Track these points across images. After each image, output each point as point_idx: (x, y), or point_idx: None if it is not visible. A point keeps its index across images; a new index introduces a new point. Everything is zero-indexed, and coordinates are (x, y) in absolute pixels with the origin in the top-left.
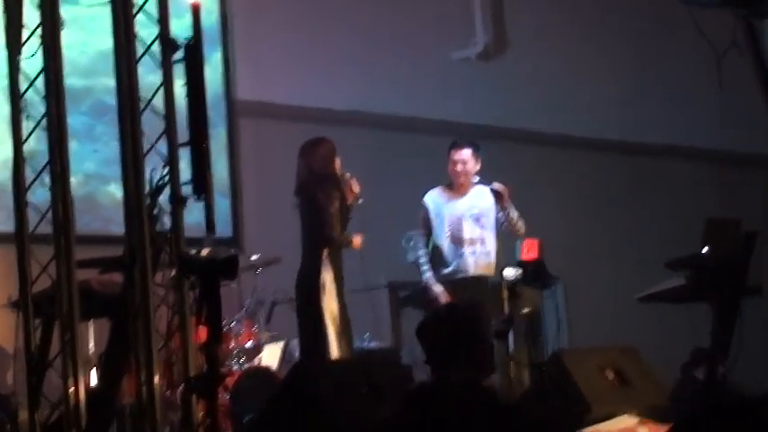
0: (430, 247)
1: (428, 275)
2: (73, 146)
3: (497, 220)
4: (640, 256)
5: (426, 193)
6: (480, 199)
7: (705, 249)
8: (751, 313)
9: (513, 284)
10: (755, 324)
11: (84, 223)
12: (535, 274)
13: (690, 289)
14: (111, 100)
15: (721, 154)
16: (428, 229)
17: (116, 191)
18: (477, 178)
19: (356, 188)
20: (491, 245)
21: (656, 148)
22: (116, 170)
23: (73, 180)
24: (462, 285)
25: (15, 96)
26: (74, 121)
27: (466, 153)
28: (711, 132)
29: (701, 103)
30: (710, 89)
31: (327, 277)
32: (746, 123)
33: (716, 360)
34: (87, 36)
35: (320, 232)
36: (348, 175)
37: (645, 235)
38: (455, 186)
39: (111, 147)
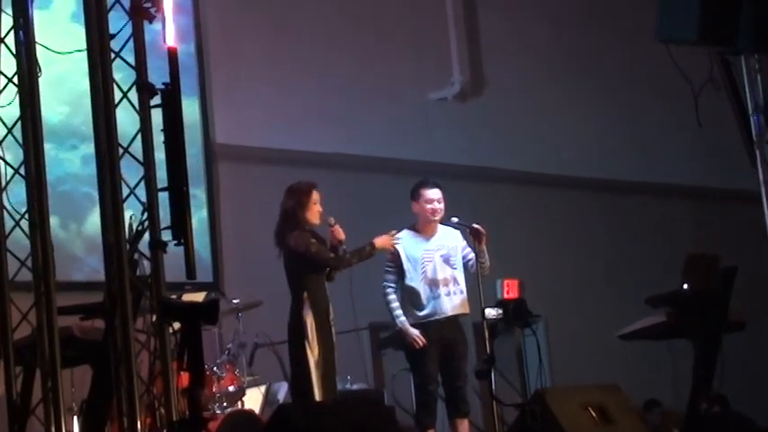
0: (401, 289)
1: (402, 320)
2: (49, 146)
3: (465, 258)
4: (620, 293)
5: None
6: (447, 239)
7: (685, 285)
8: (732, 348)
9: (493, 324)
10: (737, 359)
11: (57, 224)
12: (516, 313)
13: (671, 325)
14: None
15: (699, 190)
16: (398, 273)
17: (93, 191)
18: (455, 218)
19: (340, 236)
20: (463, 283)
21: (634, 185)
22: (94, 168)
23: (49, 178)
24: (439, 327)
25: None
26: (50, 114)
27: (438, 192)
28: (689, 169)
29: (678, 139)
30: (687, 126)
31: (308, 319)
32: (724, 159)
33: (698, 396)
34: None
35: (299, 276)
36: (332, 221)
37: (624, 272)
38: (423, 227)
39: (90, 140)
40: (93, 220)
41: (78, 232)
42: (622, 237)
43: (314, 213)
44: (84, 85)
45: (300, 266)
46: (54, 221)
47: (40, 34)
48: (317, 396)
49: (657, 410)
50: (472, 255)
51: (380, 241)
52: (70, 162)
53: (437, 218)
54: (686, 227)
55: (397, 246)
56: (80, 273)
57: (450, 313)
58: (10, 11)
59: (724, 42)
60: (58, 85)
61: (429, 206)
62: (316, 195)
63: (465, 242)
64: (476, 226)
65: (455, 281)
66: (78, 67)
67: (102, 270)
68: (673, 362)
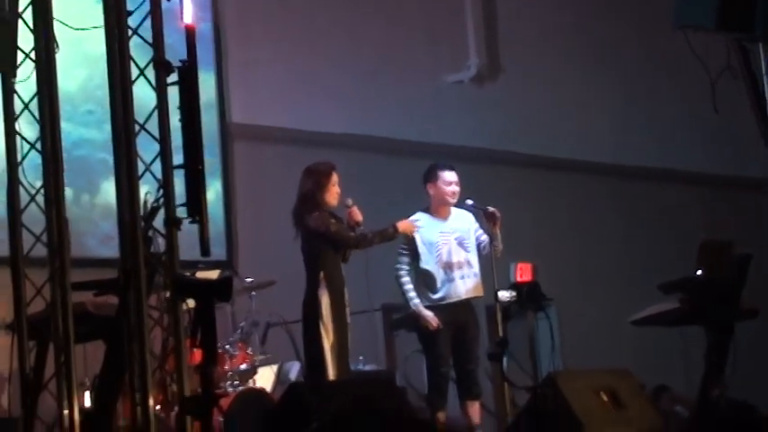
0: (414, 272)
1: (416, 302)
2: (65, 110)
3: (477, 240)
4: (632, 279)
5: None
6: (460, 222)
7: (699, 272)
8: (745, 335)
9: (507, 307)
10: (750, 346)
11: (72, 192)
12: (529, 296)
13: (683, 312)
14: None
15: (714, 177)
16: (412, 256)
17: (108, 157)
18: (470, 201)
19: (358, 217)
20: (476, 265)
21: (649, 171)
22: (110, 134)
23: (65, 143)
24: (453, 310)
25: (9, 119)
26: (66, 78)
27: (455, 175)
28: (703, 155)
29: (692, 126)
30: (703, 112)
31: (325, 300)
32: (737, 147)
33: (709, 383)
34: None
35: (316, 256)
36: (350, 202)
37: (637, 257)
38: (437, 210)
39: (106, 107)
40: (109, 186)
41: (93, 198)
42: (636, 222)
43: (333, 195)
44: (102, 48)
45: (319, 247)
46: (69, 192)
47: (57, 7)
48: (331, 376)
49: (666, 396)
50: (485, 237)
51: (403, 225)
52: (86, 127)
53: (455, 200)
54: (697, 213)
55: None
56: (94, 239)
57: (464, 296)
58: None
59: (742, 29)
60: (74, 49)
61: (448, 188)
62: (335, 177)
63: (477, 224)
64: (491, 209)
65: (469, 264)
66: (95, 30)
67: (116, 237)
68: (684, 348)
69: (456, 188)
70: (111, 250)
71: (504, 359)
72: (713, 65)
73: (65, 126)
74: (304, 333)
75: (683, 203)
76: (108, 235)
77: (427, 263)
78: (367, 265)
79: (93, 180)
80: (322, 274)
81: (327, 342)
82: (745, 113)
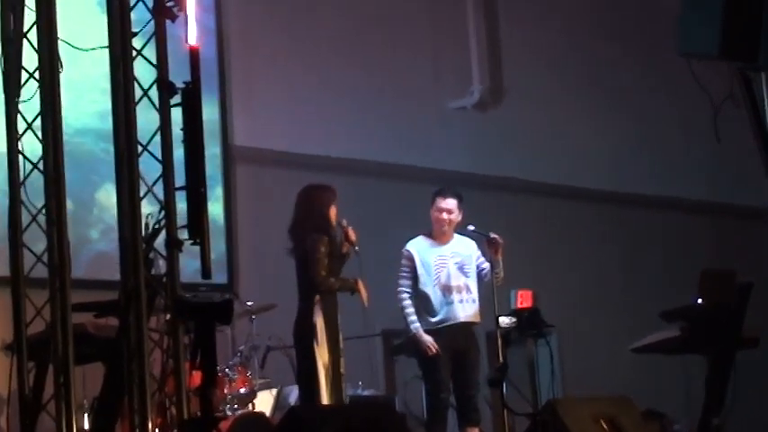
0: (413, 295)
1: (416, 326)
2: (69, 99)
3: (478, 267)
4: (633, 307)
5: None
6: (461, 247)
7: (700, 300)
8: (745, 364)
9: (507, 333)
10: (750, 375)
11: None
12: (530, 322)
13: (684, 340)
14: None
15: (716, 206)
16: (413, 278)
17: (110, 146)
18: (472, 227)
19: (353, 236)
20: (475, 292)
21: (651, 199)
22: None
23: (68, 130)
24: (452, 333)
25: (13, 138)
26: (70, 67)
27: (452, 202)
28: (706, 184)
29: (695, 154)
30: (705, 141)
31: (319, 323)
32: (738, 175)
33: (710, 411)
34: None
35: (311, 278)
36: (345, 222)
37: (638, 285)
38: (437, 234)
39: (108, 97)
40: (111, 180)
41: (95, 190)
42: (637, 250)
43: (334, 213)
44: (105, 39)
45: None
46: (69, 204)
47: (62, 25)
48: (325, 399)
49: (666, 420)
50: (486, 264)
51: (361, 286)
52: (89, 117)
53: (444, 228)
54: (699, 242)
55: (411, 250)
56: (95, 230)
57: (462, 320)
58: (33, 6)
59: (745, 58)
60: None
61: (438, 215)
62: (332, 198)
63: (479, 251)
64: (493, 235)
65: (468, 289)
66: (99, 23)
67: (116, 229)
68: (686, 376)
69: (446, 216)
70: (112, 243)
71: (504, 385)
72: (716, 92)
73: (67, 114)
74: (297, 353)
75: (684, 232)
76: (110, 226)
77: (426, 285)
78: (367, 291)
79: (95, 169)
80: (317, 297)
81: (322, 364)
82: (748, 141)
